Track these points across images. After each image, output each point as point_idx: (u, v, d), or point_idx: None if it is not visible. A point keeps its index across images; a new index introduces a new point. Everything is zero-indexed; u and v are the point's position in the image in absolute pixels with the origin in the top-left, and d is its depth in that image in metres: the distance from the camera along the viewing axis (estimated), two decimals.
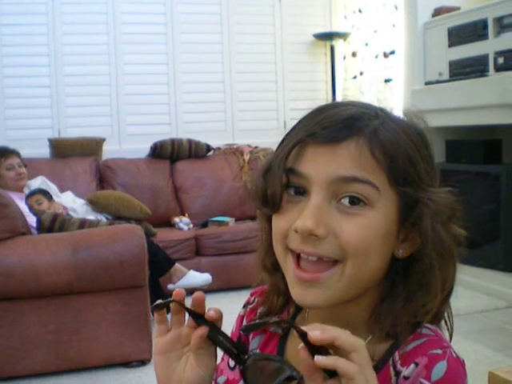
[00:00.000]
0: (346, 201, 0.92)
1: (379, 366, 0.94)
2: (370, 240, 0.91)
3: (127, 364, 3.61)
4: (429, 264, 0.95)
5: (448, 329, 1.04)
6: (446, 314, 1.04)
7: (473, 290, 4.74)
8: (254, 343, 1.14)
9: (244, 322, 1.17)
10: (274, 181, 0.95)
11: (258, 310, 1.14)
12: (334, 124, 0.92)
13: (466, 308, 4.37)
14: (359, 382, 0.76)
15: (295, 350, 1.02)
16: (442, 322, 1.04)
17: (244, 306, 1.19)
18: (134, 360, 3.61)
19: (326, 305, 0.95)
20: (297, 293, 0.95)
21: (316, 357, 0.76)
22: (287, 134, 1.00)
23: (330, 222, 0.91)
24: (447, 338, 1.01)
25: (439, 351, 0.91)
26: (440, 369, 0.88)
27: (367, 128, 0.93)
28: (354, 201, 0.91)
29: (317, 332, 0.77)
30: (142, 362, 3.62)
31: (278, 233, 0.97)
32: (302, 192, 0.95)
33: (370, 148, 0.91)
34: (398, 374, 0.92)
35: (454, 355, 0.92)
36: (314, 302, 0.94)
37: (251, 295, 1.19)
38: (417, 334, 0.95)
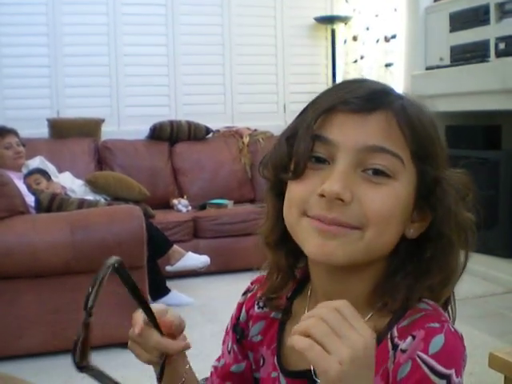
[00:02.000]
0: (370, 171, 0.93)
1: (378, 340, 0.93)
2: (393, 210, 0.93)
3: (124, 345, 3.61)
4: (450, 241, 0.97)
5: (450, 316, 1.04)
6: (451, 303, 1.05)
7: (471, 276, 4.72)
8: (255, 330, 1.15)
9: (243, 310, 1.17)
10: (301, 147, 0.96)
11: (258, 294, 1.15)
12: (365, 94, 0.95)
13: (464, 293, 4.37)
14: (310, 355, 0.76)
15: None
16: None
17: (244, 294, 1.19)
18: None
19: (342, 260, 0.94)
20: (314, 243, 0.95)
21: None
22: (311, 104, 1.00)
23: (355, 189, 0.92)
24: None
25: (437, 325, 0.91)
26: (438, 342, 0.89)
27: (396, 103, 0.96)
28: (379, 173, 0.93)
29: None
30: None
31: (296, 198, 0.97)
32: (322, 160, 0.95)
33: (398, 122, 0.94)
34: (395, 347, 0.92)
35: (452, 329, 0.92)
36: (331, 254, 0.94)
37: (252, 283, 1.20)
38: (415, 308, 0.96)
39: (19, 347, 3.45)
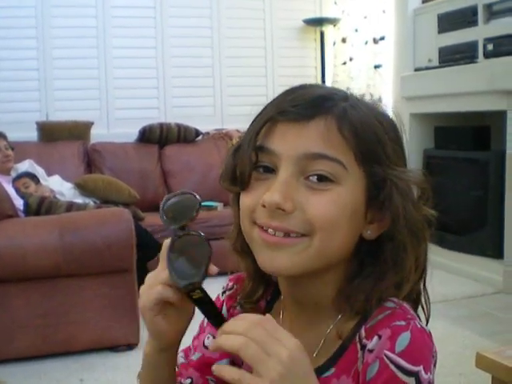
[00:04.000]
0: (313, 178, 0.93)
1: (346, 343, 0.96)
2: (337, 215, 0.93)
3: (114, 348, 3.61)
4: (401, 242, 0.96)
5: (425, 313, 1.04)
6: (423, 299, 1.05)
7: (461, 276, 4.76)
8: None
9: (224, 307, 1.17)
10: (244, 159, 0.97)
11: (237, 296, 1.15)
12: (304, 102, 0.94)
13: (454, 294, 4.39)
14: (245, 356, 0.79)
15: None
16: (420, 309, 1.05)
17: (223, 292, 1.20)
18: (122, 344, 3.60)
19: (293, 271, 0.95)
20: (263, 257, 0.96)
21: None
22: (258, 114, 1.01)
23: (298, 197, 0.93)
24: (423, 321, 1.01)
25: (402, 322, 0.91)
26: (404, 340, 0.89)
27: (336, 107, 0.95)
28: (321, 179, 0.93)
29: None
30: (129, 346, 3.61)
31: (245, 208, 0.98)
32: (270, 170, 0.96)
33: (339, 127, 0.93)
34: (363, 347, 0.93)
35: (419, 326, 0.92)
36: (280, 266, 0.95)
37: (230, 280, 1.20)
38: (381, 307, 0.96)
39: (9, 351, 3.44)
